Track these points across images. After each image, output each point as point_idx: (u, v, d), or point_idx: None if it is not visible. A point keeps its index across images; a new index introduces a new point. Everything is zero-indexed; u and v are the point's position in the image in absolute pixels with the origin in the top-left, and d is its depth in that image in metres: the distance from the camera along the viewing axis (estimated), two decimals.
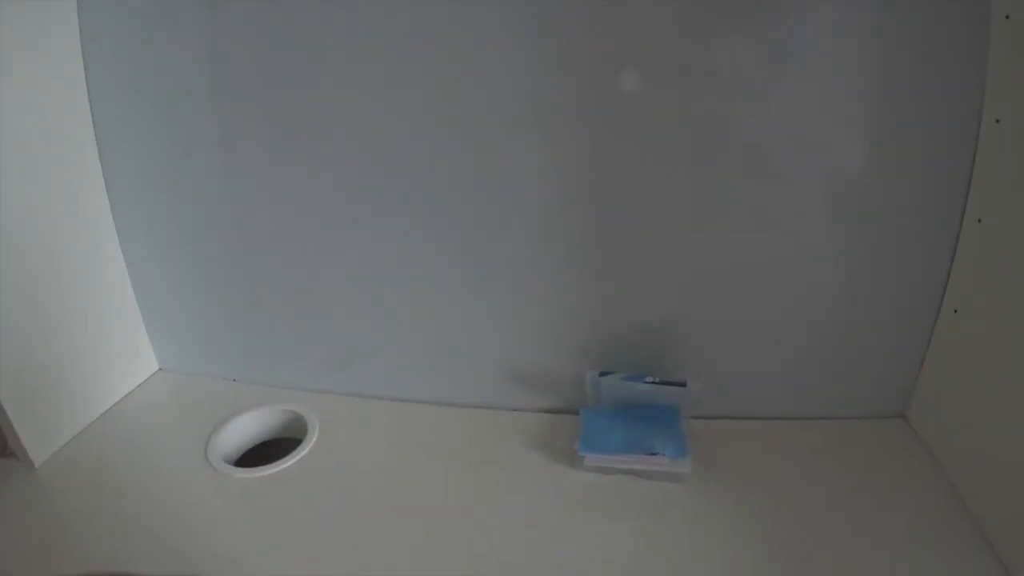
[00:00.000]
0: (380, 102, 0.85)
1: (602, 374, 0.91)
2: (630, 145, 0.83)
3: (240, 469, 0.88)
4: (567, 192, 0.87)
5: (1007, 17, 0.70)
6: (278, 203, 0.94)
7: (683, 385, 0.88)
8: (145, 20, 0.86)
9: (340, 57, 0.84)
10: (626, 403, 0.90)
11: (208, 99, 0.89)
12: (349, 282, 0.98)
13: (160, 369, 1.10)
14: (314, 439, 0.93)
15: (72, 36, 0.88)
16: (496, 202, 0.89)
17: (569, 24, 0.78)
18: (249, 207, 0.96)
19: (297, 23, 0.83)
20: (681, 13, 0.77)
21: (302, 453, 0.90)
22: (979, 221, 0.78)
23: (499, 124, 0.84)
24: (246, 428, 0.98)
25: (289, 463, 0.88)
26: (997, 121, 0.74)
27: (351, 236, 0.94)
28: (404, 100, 0.85)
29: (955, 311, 0.83)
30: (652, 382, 0.89)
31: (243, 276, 1.01)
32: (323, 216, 0.94)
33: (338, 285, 0.98)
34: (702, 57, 0.79)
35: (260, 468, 0.87)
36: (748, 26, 0.76)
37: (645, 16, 0.77)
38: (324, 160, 0.90)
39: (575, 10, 0.77)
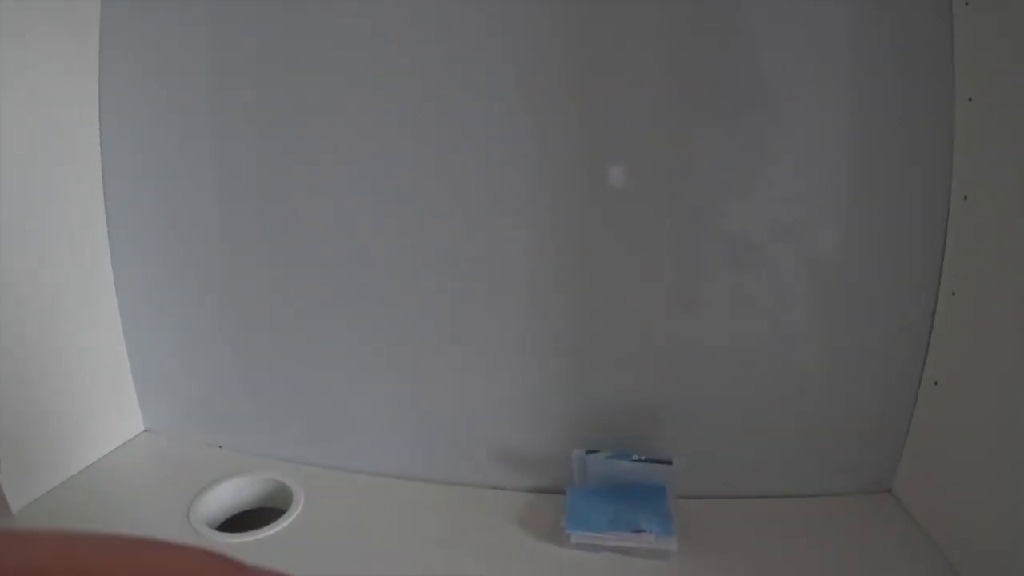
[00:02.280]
0: (368, 177, 0.92)
1: (588, 452, 0.93)
2: (617, 232, 0.89)
3: (222, 534, 0.87)
4: (554, 275, 0.92)
5: (970, 99, 0.76)
6: (272, 275, 0.99)
7: (669, 463, 0.90)
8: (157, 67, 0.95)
9: (331, 118, 0.91)
10: (612, 481, 0.92)
11: (208, 164, 0.96)
12: (337, 357, 1.01)
13: (146, 430, 1.09)
14: (298, 510, 0.92)
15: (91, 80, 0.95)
16: (484, 283, 0.94)
17: (559, 117, 0.86)
18: (248, 279, 1.00)
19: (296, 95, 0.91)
20: (668, 108, 0.85)
21: (285, 523, 0.89)
22: (953, 294, 0.82)
23: (489, 207, 0.91)
24: (230, 494, 0.96)
25: (272, 531, 0.87)
26: (965, 198, 0.79)
27: (340, 312, 0.98)
28: (394, 181, 0.91)
29: (935, 383, 0.86)
30: (638, 460, 0.91)
31: (234, 345, 1.04)
32: (316, 292, 0.98)
33: (327, 359, 1.01)
34: (686, 151, 0.86)
35: (243, 534, 0.86)
36: (730, 122, 0.84)
37: (633, 108, 0.85)
38: (315, 234, 0.95)
39: (566, 103, 0.85)
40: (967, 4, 0.77)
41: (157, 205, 0.99)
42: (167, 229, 1.00)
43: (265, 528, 0.87)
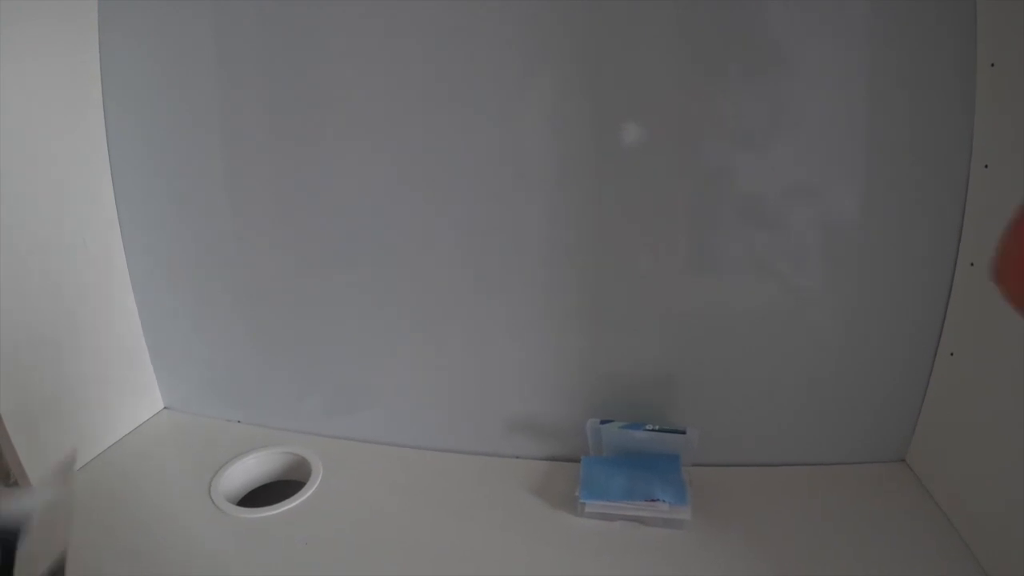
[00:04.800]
0: (381, 151, 0.90)
1: (603, 422, 0.93)
2: (631, 198, 0.87)
3: (242, 509, 0.89)
4: (569, 243, 0.91)
5: (992, 65, 0.75)
6: (288, 251, 0.99)
7: (682, 433, 0.90)
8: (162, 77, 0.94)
9: (343, 94, 0.89)
10: (627, 451, 0.92)
11: (222, 145, 0.95)
12: (355, 330, 1.01)
13: (165, 407, 1.11)
14: (317, 482, 0.94)
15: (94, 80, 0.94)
16: (499, 255, 0.93)
17: (573, 78, 0.84)
18: (260, 253, 1.00)
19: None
20: (681, 70, 0.82)
21: (305, 496, 0.91)
22: (972, 264, 0.81)
23: (502, 178, 0.89)
24: (249, 469, 0.98)
25: (292, 505, 0.89)
26: (985, 166, 0.77)
27: (358, 285, 0.98)
28: (407, 154, 0.90)
29: (951, 354, 0.85)
30: (652, 430, 0.91)
31: (251, 320, 1.04)
32: (331, 265, 0.98)
33: (344, 332, 1.01)
34: (701, 112, 0.83)
35: (263, 509, 0.88)
36: (746, 82, 0.82)
37: (646, 72, 0.82)
38: (333, 211, 0.95)
39: (580, 65, 0.83)
40: None
41: (167, 186, 0.99)
42: (177, 208, 0.99)
43: (285, 502, 0.89)
